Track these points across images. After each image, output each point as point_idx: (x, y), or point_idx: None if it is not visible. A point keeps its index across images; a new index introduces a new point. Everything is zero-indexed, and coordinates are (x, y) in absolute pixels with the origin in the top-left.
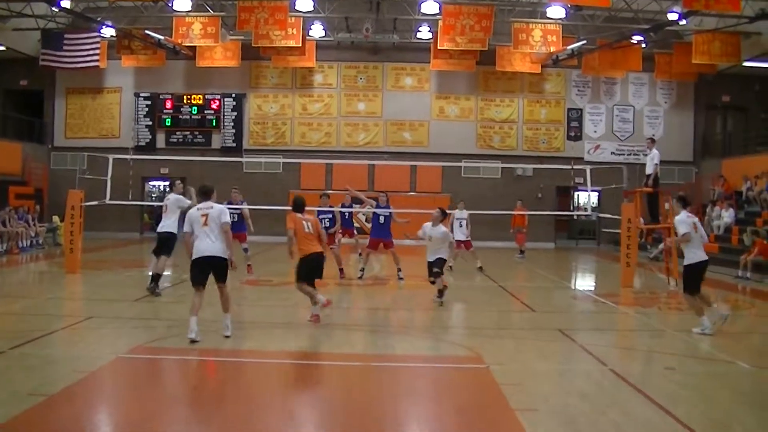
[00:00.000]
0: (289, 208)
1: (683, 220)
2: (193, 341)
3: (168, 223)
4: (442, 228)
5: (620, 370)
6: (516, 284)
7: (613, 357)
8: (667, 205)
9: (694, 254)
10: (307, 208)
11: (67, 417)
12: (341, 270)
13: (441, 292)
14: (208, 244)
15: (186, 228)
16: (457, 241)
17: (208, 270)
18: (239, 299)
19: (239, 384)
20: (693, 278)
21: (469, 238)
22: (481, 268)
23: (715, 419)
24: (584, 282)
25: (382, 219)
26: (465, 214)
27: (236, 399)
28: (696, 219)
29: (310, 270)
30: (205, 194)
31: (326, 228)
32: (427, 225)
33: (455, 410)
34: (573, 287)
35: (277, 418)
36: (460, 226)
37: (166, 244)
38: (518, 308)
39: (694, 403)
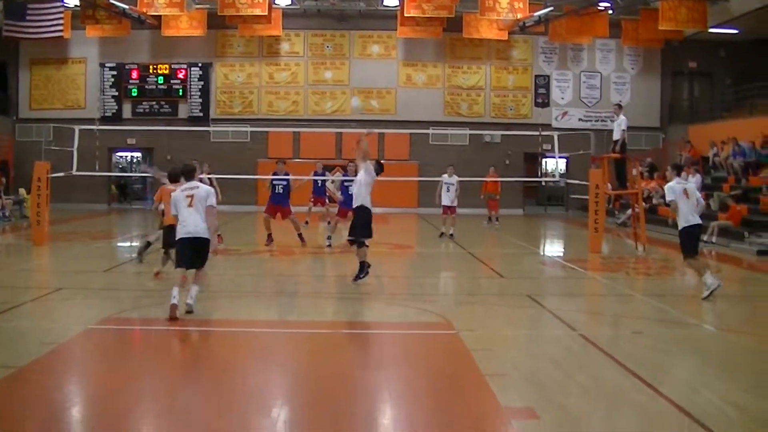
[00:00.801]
0: (257, 177)
1: (671, 187)
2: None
3: None
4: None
5: (589, 335)
6: (485, 251)
7: (581, 322)
8: (634, 171)
9: (685, 219)
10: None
11: (37, 389)
12: (300, 236)
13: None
14: (193, 223)
15: (172, 211)
16: (443, 206)
17: (193, 250)
18: (209, 267)
19: (208, 353)
20: (688, 241)
21: (455, 205)
22: (451, 235)
23: (682, 381)
24: (553, 248)
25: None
26: (454, 179)
27: (206, 368)
28: (689, 184)
29: (168, 237)
30: (188, 174)
31: (280, 194)
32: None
33: (426, 376)
34: (542, 253)
35: (246, 387)
36: (447, 191)
37: None
38: (487, 274)
39: (661, 366)
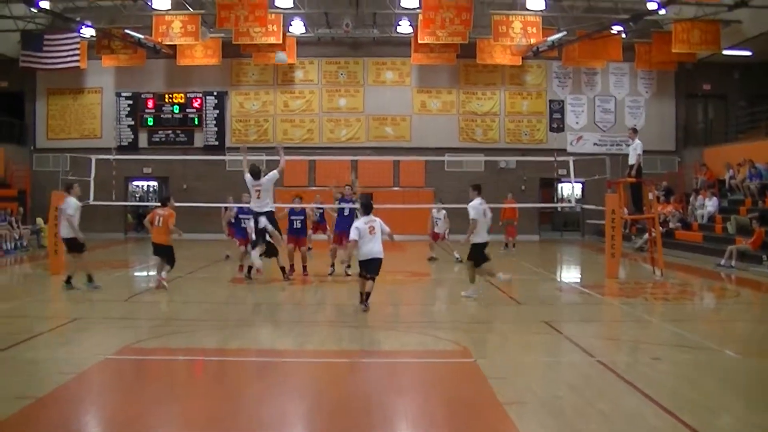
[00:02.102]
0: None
1: (474, 206)
2: None
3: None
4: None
5: (607, 361)
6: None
7: (599, 348)
8: (650, 196)
9: (482, 236)
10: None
11: (56, 419)
12: (304, 268)
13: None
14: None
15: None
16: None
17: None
18: (228, 297)
19: (227, 382)
20: (477, 254)
21: (445, 233)
22: (458, 259)
23: (702, 407)
24: (569, 273)
25: (347, 212)
26: (442, 214)
27: (224, 397)
28: (486, 206)
29: (154, 250)
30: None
31: (297, 230)
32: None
33: (443, 405)
34: (558, 279)
35: (265, 415)
36: (437, 224)
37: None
38: (504, 301)
39: (681, 392)
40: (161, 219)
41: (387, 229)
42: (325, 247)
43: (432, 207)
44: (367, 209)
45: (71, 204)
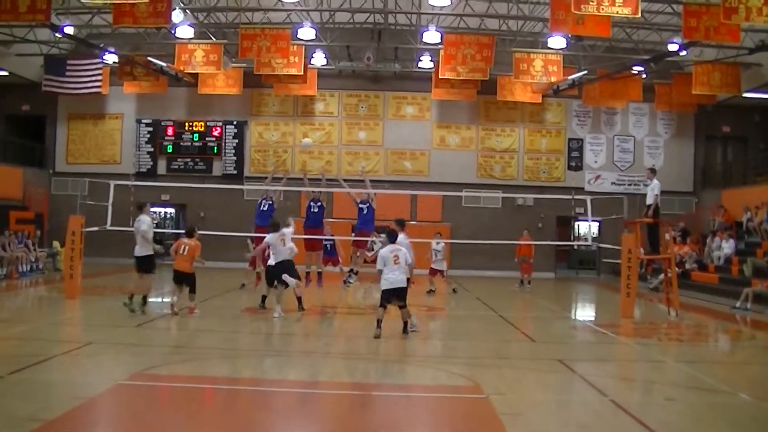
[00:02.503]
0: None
1: (402, 242)
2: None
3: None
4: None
5: (620, 401)
6: (516, 314)
7: (612, 387)
8: (667, 236)
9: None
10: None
11: None
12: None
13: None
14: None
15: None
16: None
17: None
18: (241, 326)
19: (238, 412)
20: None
21: (443, 269)
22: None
23: None
24: (584, 312)
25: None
26: (441, 246)
27: (234, 427)
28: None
29: (175, 277)
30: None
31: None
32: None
33: None
34: (573, 317)
35: None
36: (436, 257)
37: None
38: (518, 338)
39: None
40: (186, 248)
41: (411, 260)
42: (337, 279)
43: (432, 240)
44: (393, 237)
45: (145, 221)
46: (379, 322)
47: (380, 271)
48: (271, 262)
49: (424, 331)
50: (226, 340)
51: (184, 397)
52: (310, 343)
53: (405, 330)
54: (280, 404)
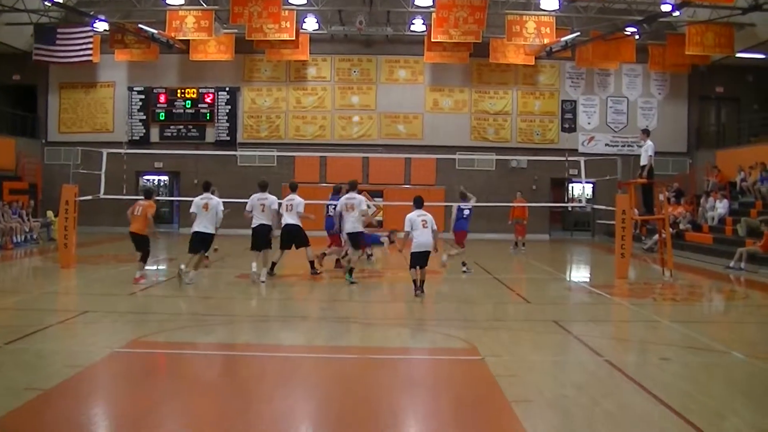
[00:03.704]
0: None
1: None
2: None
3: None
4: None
5: (615, 361)
6: (511, 276)
7: (608, 348)
8: (661, 197)
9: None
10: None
11: (63, 412)
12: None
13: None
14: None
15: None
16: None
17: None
18: (236, 292)
19: (235, 377)
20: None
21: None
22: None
23: (710, 409)
24: (579, 273)
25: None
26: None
27: (232, 392)
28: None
29: (132, 240)
30: (263, 187)
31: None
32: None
33: (451, 402)
34: (568, 279)
35: (273, 411)
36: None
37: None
38: (513, 300)
39: (689, 394)
40: (141, 209)
41: (435, 227)
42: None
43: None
44: (419, 204)
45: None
46: (416, 282)
47: (407, 233)
48: (254, 224)
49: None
50: (221, 307)
51: (181, 363)
52: (306, 307)
53: (421, 289)
54: (276, 369)
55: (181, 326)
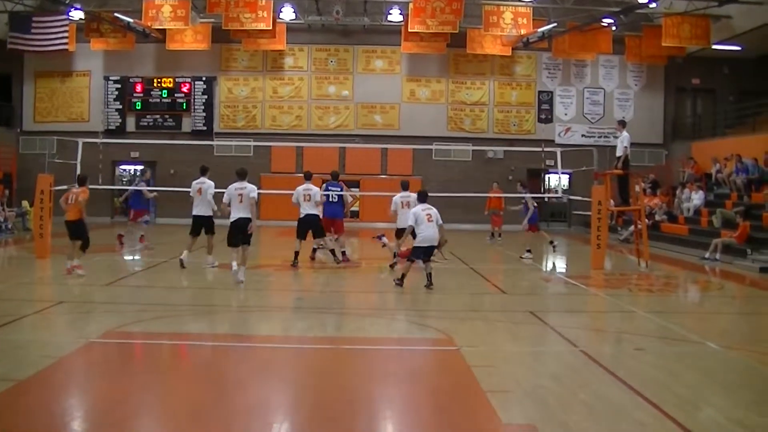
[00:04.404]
0: (262, 192)
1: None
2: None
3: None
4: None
5: (591, 352)
6: (487, 266)
7: (584, 338)
8: (637, 188)
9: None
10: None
11: (37, 402)
12: (344, 253)
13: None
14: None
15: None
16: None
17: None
18: (212, 282)
19: (210, 368)
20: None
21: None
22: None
23: (684, 399)
24: (555, 264)
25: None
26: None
27: (207, 383)
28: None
29: (68, 231)
30: (242, 175)
31: (335, 203)
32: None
33: (427, 393)
34: (544, 269)
35: (248, 402)
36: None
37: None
38: (489, 290)
39: (664, 384)
40: (74, 196)
41: (440, 220)
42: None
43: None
44: (424, 197)
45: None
46: (403, 276)
47: (410, 227)
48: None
49: (394, 284)
50: (197, 297)
51: (157, 354)
52: (282, 298)
53: (430, 282)
54: (252, 359)
55: (158, 316)
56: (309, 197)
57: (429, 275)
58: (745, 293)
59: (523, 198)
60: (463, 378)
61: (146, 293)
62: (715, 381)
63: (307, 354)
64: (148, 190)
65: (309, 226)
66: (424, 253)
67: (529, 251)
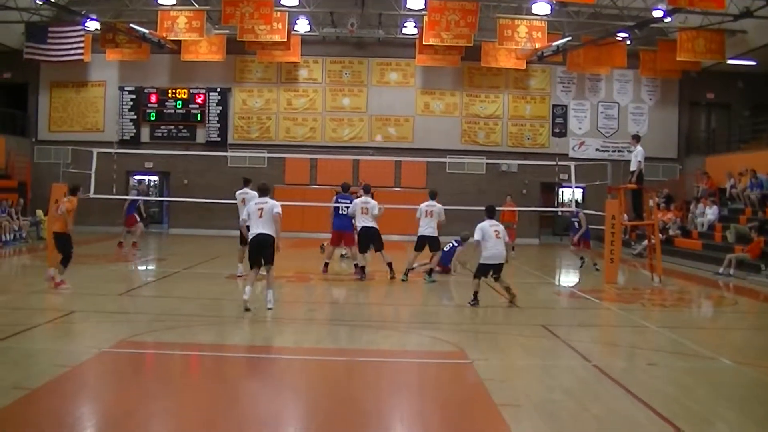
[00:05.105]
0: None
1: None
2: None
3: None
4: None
5: (603, 366)
6: None
7: (596, 353)
8: (651, 202)
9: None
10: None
11: (50, 411)
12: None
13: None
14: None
15: (244, 216)
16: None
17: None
18: (225, 293)
19: (222, 378)
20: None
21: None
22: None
23: (696, 414)
24: (568, 278)
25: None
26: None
27: (218, 393)
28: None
29: (55, 242)
30: (263, 191)
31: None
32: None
33: (439, 405)
34: (557, 283)
35: (259, 413)
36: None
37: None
38: (502, 304)
39: (675, 399)
40: (61, 206)
41: (508, 238)
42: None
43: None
44: (491, 213)
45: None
46: (476, 294)
47: (477, 242)
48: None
49: (408, 296)
50: (210, 307)
51: (169, 364)
52: (295, 309)
53: (512, 299)
54: (264, 370)
55: (170, 327)
56: (366, 210)
57: (507, 289)
58: (759, 308)
59: (577, 216)
60: (475, 391)
61: (159, 303)
62: (727, 396)
63: (320, 366)
64: (134, 199)
65: (369, 240)
66: (492, 270)
67: (582, 258)
